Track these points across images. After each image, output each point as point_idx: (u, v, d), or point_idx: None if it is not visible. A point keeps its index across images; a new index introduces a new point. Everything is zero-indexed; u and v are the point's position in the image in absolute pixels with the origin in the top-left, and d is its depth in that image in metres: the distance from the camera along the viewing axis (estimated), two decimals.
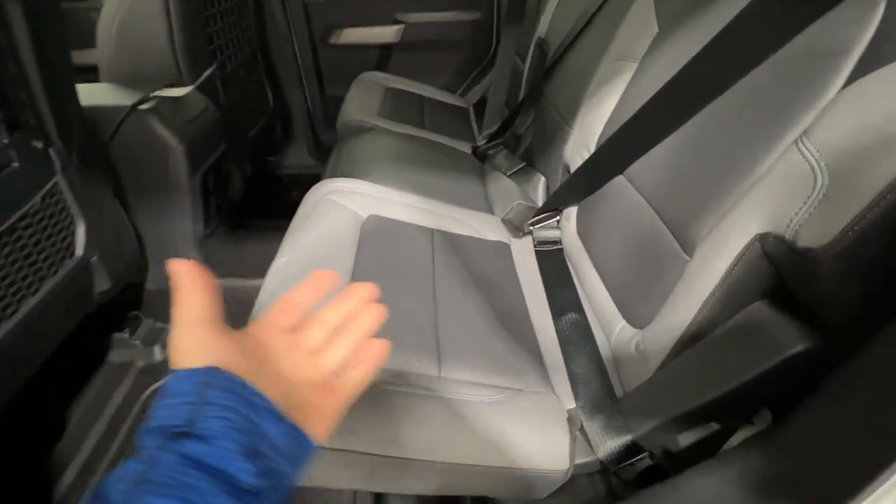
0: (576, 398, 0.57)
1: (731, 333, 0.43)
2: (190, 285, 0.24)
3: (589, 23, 0.83)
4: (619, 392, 0.57)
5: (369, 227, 0.76)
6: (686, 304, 0.47)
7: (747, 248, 0.40)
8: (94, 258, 0.78)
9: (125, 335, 0.99)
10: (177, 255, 1.03)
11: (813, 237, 0.34)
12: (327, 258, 0.67)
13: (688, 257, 0.49)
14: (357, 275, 0.66)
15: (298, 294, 0.28)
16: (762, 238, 0.38)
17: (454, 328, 0.62)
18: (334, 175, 0.98)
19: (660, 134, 0.54)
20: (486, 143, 1.16)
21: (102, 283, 0.81)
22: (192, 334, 0.23)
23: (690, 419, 0.45)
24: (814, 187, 0.34)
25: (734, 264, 0.41)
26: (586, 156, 0.75)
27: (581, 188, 0.70)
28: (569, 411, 0.56)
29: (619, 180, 0.64)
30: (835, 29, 0.37)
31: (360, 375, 0.27)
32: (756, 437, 0.41)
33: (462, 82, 1.65)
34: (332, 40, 1.51)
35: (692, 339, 0.47)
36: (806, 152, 0.36)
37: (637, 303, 0.58)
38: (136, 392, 0.94)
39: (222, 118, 1.03)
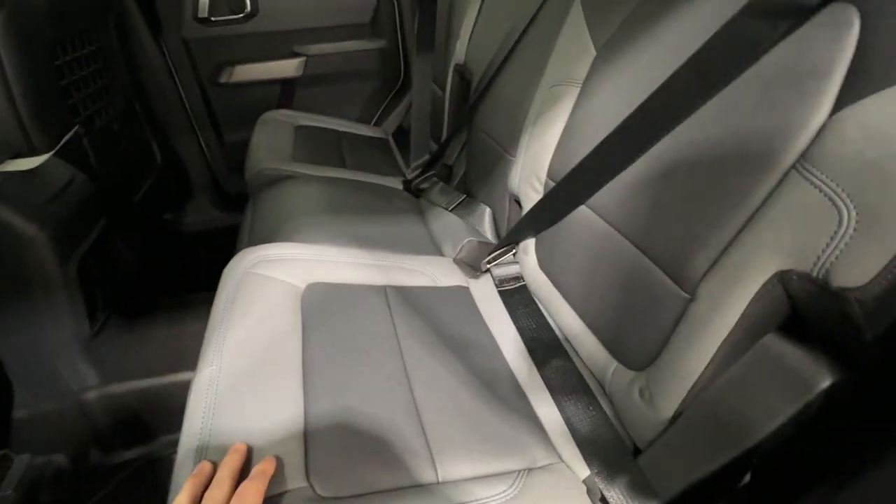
0: (588, 463, 0.51)
1: (752, 374, 0.40)
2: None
3: (515, 47, 0.80)
4: (627, 444, 0.53)
5: (312, 298, 0.64)
6: (698, 349, 0.43)
7: (766, 286, 0.36)
8: None
9: None
10: (55, 368, 0.78)
11: (849, 276, 0.31)
12: (265, 354, 0.54)
13: (686, 295, 0.45)
14: (310, 365, 0.54)
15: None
16: (783, 276, 0.35)
17: (437, 409, 0.53)
18: (254, 240, 0.84)
19: (625, 162, 0.51)
20: (418, 176, 1.09)
21: None
22: None
23: (727, 474, 0.41)
24: (840, 222, 0.31)
25: (752, 304, 0.38)
26: (538, 186, 0.71)
27: (543, 221, 0.65)
28: (584, 481, 0.50)
29: (581, 209, 0.61)
30: (811, 51, 0.35)
31: None
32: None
33: (375, 112, 1.57)
34: (224, 79, 1.35)
35: (709, 383, 0.43)
36: (817, 182, 0.33)
37: (630, 341, 0.54)
38: None
39: (97, 187, 0.84)
